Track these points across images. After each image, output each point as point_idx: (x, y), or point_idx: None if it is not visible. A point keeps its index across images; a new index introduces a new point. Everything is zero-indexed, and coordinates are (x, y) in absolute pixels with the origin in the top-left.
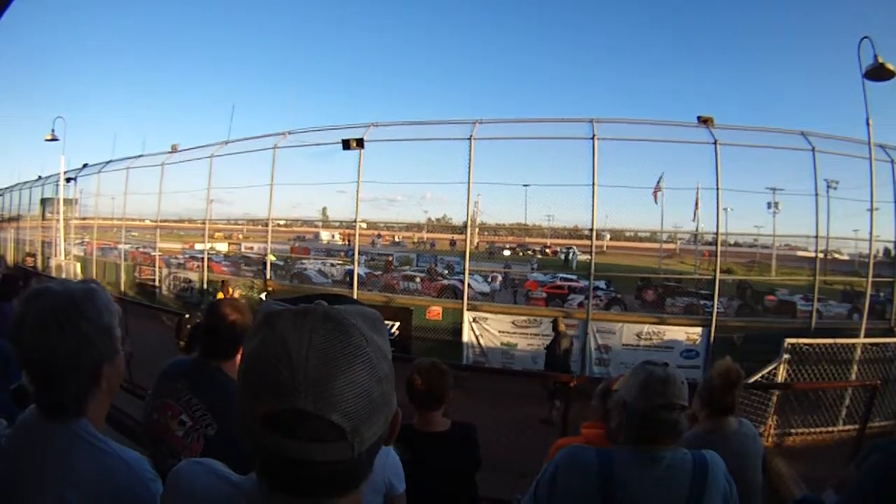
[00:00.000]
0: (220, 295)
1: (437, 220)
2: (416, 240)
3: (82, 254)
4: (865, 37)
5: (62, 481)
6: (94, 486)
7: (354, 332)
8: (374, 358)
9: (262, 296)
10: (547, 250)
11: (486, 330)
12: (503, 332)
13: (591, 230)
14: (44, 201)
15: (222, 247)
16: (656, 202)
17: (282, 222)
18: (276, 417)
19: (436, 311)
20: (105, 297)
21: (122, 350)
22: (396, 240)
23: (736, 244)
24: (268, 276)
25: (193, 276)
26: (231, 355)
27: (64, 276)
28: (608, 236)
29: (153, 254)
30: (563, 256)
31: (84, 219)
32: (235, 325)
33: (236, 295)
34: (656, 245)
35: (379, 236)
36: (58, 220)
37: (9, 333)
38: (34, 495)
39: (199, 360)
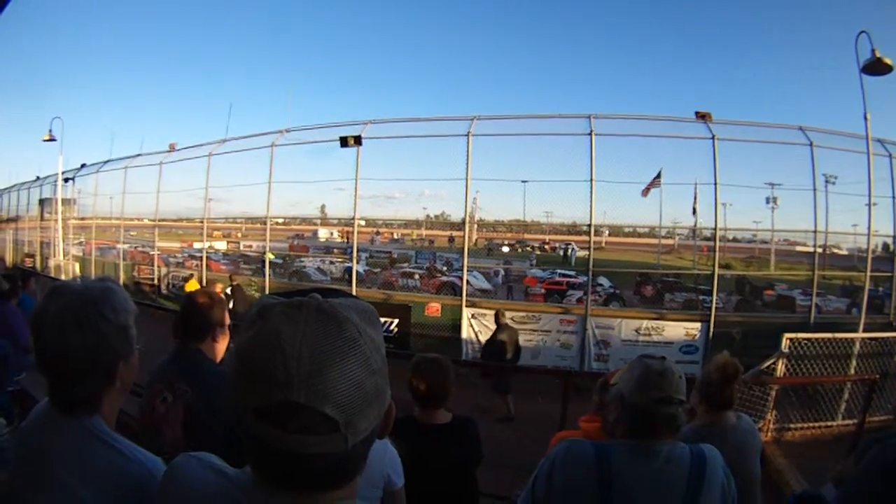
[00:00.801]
0: (190, 285)
1: (436, 216)
2: (414, 237)
3: (81, 254)
4: (863, 31)
5: (76, 477)
6: (108, 483)
7: (348, 325)
8: (368, 350)
9: (228, 290)
10: (546, 246)
11: (485, 326)
12: None
13: (590, 226)
14: (42, 202)
15: (221, 245)
16: (645, 196)
17: (280, 220)
18: (269, 409)
19: (435, 308)
20: (122, 295)
21: (137, 348)
22: (395, 237)
23: (734, 239)
24: (266, 275)
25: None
26: (206, 337)
27: (63, 276)
28: (607, 232)
29: (152, 253)
30: (561, 253)
31: (82, 219)
32: (205, 310)
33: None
34: (655, 241)
35: (378, 233)
36: (56, 221)
37: (29, 330)
38: (48, 491)
39: (180, 345)
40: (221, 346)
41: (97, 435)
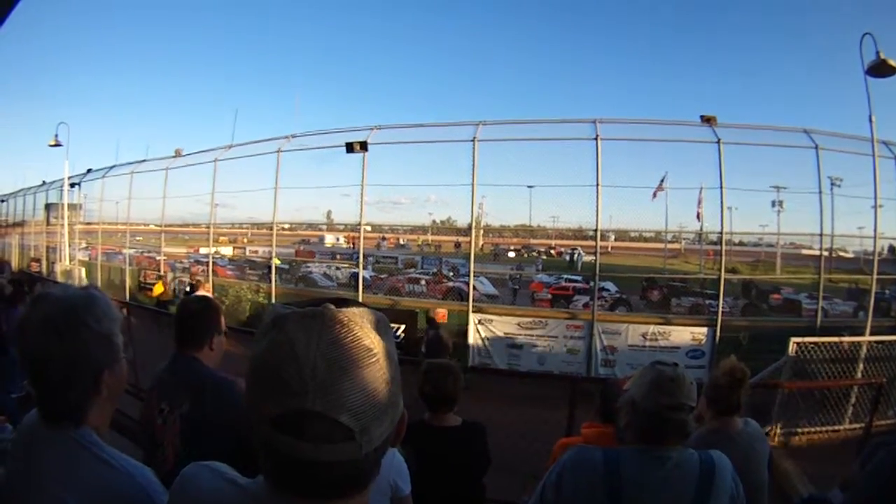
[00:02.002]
0: (157, 287)
1: (442, 222)
2: (420, 242)
3: (87, 259)
4: (867, 33)
5: (63, 490)
6: (96, 494)
7: (361, 334)
8: (381, 359)
9: (187, 288)
10: (552, 251)
11: (491, 331)
12: (508, 333)
13: (596, 231)
14: (48, 206)
15: (227, 251)
16: (653, 198)
17: (286, 226)
18: (284, 418)
19: (441, 314)
20: (105, 303)
21: (123, 357)
22: (401, 242)
23: (740, 243)
24: (272, 280)
25: None
26: (202, 344)
27: (69, 281)
28: (613, 237)
29: (158, 258)
30: (567, 258)
31: (88, 224)
32: (199, 316)
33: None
34: (661, 245)
35: (384, 239)
36: (62, 226)
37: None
38: (37, 501)
39: (177, 354)
40: (218, 352)
41: (85, 446)
